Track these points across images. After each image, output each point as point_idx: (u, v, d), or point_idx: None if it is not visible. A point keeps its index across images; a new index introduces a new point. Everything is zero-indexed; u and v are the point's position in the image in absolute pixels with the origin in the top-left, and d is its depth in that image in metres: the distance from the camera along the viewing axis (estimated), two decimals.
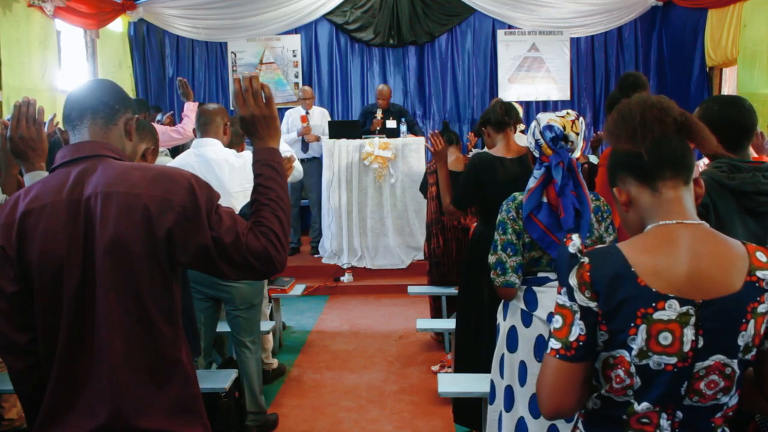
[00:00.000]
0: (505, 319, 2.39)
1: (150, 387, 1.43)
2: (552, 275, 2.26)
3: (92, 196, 1.42)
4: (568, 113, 2.28)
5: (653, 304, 1.22)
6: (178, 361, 1.48)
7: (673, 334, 1.21)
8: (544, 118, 2.28)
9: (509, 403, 2.35)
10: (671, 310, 1.21)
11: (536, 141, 2.27)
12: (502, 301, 2.41)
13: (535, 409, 2.24)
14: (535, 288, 2.28)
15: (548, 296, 2.23)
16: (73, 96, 1.57)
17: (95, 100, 1.54)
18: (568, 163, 2.22)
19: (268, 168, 1.56)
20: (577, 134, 2.24)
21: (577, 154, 2.29)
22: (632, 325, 1.23)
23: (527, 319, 2.29)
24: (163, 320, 1.45)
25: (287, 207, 1.56)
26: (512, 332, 2.34)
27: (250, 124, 1.57)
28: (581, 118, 2.30)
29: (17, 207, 1.46)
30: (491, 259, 2.30)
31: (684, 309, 1.21)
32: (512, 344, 2.34)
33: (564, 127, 2.22)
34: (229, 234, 1.44)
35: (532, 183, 2.25)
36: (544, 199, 2.23)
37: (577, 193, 2.21)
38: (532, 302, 2.28)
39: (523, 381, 2.29)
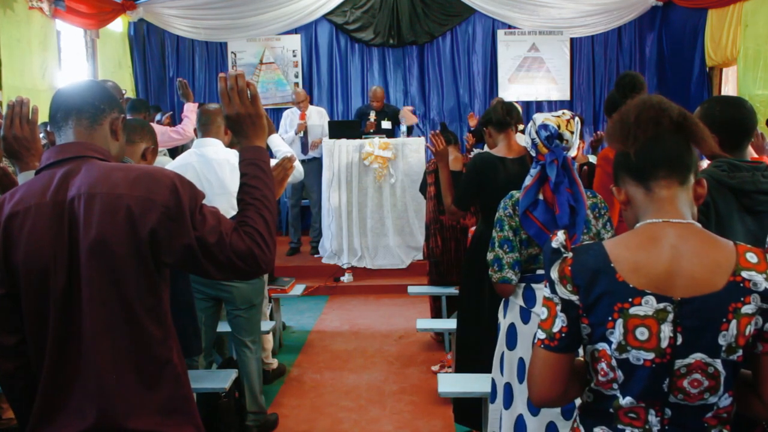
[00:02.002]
0: (504, 316, 2.41)
1: (139, 388, 1.43)
2: None
3: (76, 198, 1.42)
4: (563, 113, 2.32)
5: (630, 300, 1.24)
6: (168, 362, 1.48)
7: (650, 329, 1.23)
8: (540, 117, 2.31)
9: (508, 400, 2.36)
10: (648, 306, 1.23)
11: (532, 140, 2.31)
12: (503, 299, 2.43)
13: (533, 406, 2.25)
14: (533, 285, 2.31)
15: None
16: (58, 97, 1.56)
17: (80, 100, 1.54)
18: (563, 161, 2.25)
19: (254, 167, 1.55)
20: (572, 133, 2.27)
21: (573, 152, 2.31)
22: (610, 318, 1.26)
23: (526, 316, 2.31)
24: (151, 321, 1.45)
25: (273, 206, 1.55)
26: (511, 330, 2.36)
27: (236, 122, 1.56)
28: (576, 118, 2.33)
29: (2, 210, 1.46)
30: (489, 256, 2.33)
31: (661, 306, 1.23)
32: (511, 341, 2.36)
33: (559, 126, 2.25)
34: (212, 234, 1.43)
35: (528, 181, 2.29)
36: (540, 197, 2.26)
37: (572, 190, 2.24)
38: (530, 299, 2.31)
39: (521, 378, 2.30)
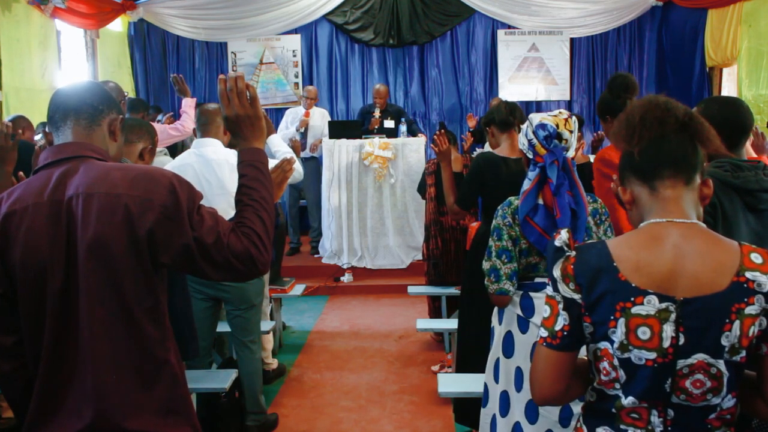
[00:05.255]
0: (500, 323, 2.36)
1: (136, 388, 1.43)
2: None
3: (74, 197, 1.42)
4: (560, 112, 2.24)
5: (632, 299, 1.24)
6: (165, 362, 1.48)
7: (652, 329, 1.23)
8: (536, 117, 2.23)
9: (505, 408, 2.31)
10: (650, 305, 1.23)
11: (529, 141, 2.22)
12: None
13: (531, 414, 2.22)
14: (531, 294, 2.24)
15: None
16: (56, 97, 1.56)
17: (78, 101, 1.54)
18: (563, 162, 2.17)
19: (252, 168, 1.56)
20: (571, 132, 2.20)
21: (571, 153, 2.24)
22: (612, 318, 1.26)
23: (524, 326, 2.25)
24: (148, 321, 1.45)
25: (271, 208, 1.55)
26: (508, 338, 2.30)
27: (235, 123, 1.57)
28: (574, 117, 2.26)
29: None
30: (485, 265, 2.26)
31: (663, 305, 1.23)
32: (508, 350, 2.30)
33: (557, 126, 2.17)
34: (210, 234, 1.43)
35: (526, 185, 2.21)
36: (540, 201, 2.18)
37: (573, 193, 2.17)
38: (528, 308, 2.24)
39: (519, 386, 2.26)
